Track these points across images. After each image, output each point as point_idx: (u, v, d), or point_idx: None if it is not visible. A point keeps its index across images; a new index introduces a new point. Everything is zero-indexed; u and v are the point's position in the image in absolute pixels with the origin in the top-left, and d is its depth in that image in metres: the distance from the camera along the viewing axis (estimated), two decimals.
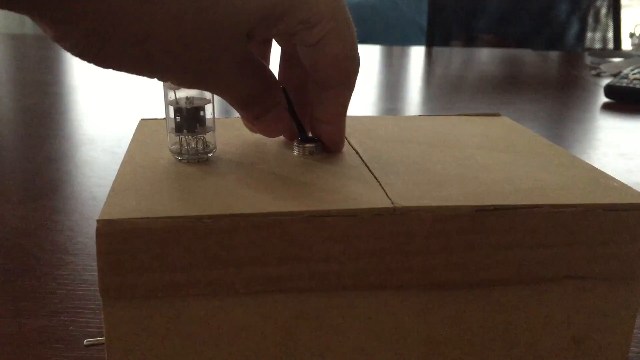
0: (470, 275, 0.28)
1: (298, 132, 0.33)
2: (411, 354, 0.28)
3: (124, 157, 0.32)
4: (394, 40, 2.01)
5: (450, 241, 0.27)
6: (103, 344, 0.27)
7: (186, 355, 0.27)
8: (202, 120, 0.31)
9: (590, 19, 1.95)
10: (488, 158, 0.33)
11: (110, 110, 0.83)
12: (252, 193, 0.27)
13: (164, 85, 0.30)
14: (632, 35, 1.26)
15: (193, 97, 0.30)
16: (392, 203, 0.27)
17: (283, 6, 0.27)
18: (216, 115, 0.32)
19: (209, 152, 0.31)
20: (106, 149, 0.67)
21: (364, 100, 0.96)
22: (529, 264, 0.28)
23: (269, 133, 0.33)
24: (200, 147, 0.31)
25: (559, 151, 0.35)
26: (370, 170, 0.31)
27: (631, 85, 0.89)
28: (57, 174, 0.60)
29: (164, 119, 0.37)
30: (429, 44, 1.75)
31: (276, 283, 0.26)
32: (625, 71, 0.96)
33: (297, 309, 0.27)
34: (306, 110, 0.33)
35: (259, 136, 0.35)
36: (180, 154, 0.31)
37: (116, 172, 0.29)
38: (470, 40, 1.90)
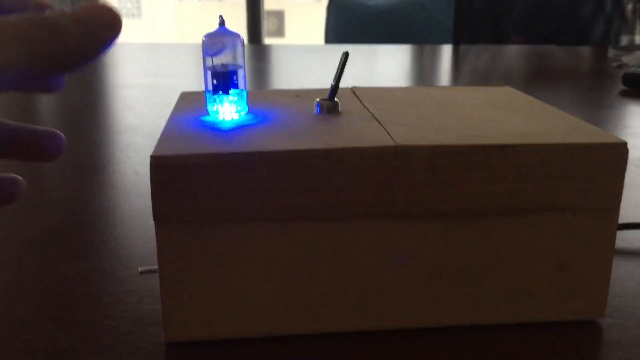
0: (464, 206, 0.32)
1: (330, 93, 0.37)
2: (415, 275, 0.33)
3: (169, 116, 0.37)
4: (423, 42, 2.04)
5: (446, 175, 0.32)
6: (156, 271, 0.32)
7: (226, 275, 0.32)
8: (235, 83, 0.36)
9: (617, 20, 1.96)
10: (484, 114, 0.38)
11: (149, 105, 0.90)
12: (278, 138, 0.33)
13: (203, 55, 0.35)
14: None
15: (227, 64, 0.36)
16: (395, 142, 0.31)
17: None
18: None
19: (242, 110, 0.37)
20: (147, 134, 0.73)
21: None
22: (516, 197, 0.32)
23: None
24: (234, 105, 0.36)
25: (552, 109, 0.39)
26: (379, 122, 0.35)
27: None
28: (103, 156, 0.66)
29: (203, 91, 0.43)
30: (457, 45, 1.79)
31: (298, 211, 0.31)
32: None
33: (317, 234, 0.32)
34: None
35: (285, 100, 0.41)
36: (217, 111, 0.36)
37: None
38: (498, 41, 1.93)
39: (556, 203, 0.33)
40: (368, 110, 0.39)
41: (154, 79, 1.10)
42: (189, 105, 0.40)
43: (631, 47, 1.40)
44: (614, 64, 1.19)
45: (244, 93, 0.36)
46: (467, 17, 1.88)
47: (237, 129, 0.35)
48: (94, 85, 1.06)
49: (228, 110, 0.36)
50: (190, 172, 0.30)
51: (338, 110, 0.38)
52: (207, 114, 0.37)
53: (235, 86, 0.36)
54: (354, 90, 0.44)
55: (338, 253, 0.32)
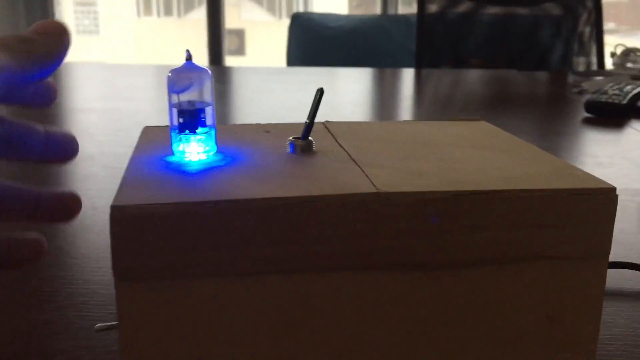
0: (450, 255, 0.30)
1: (304, 132, 0.35)
2: (398, 330, 0.31)
3: (131, 155, 0.34)
4: (385, 65, 2.05)
5: (430, 223, 0.30)
6: (113, 328, 0.30)
7: (193, 333, 0.29)
8: (203, 121, 0.34)
9: (575, 44, 2.00)
10: (465, 154, 0.36)
11: (107, 131, 0.86)
12: (251, 182, 0.30)
13: (168, 91, 0.33)
14: (613, 54, 1.31)
15: (194, 101, 0.33)
16: (377, 189, 0.29)
17: None
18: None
19: (210, 150, 0.34)
20: (106, 164, 0.69)
21: (356, 120, 0.99)
22: (502, 245, 0.31)
23: None
24: (201, 145, 0.34)
25: (533, 148, 0.38)
26: (357, 164, 0.33)
27: (610, 100, 0.93)
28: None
29: (167, 126, 0.40)
30: (419, 67, 1.80)
31: (273, 264, 0.29)
32: (605, 88, 1.00)
33: (293, 288, 0.30)
34: None
35: (255, 137, 0.38)
36: (183, 151, 0.34)
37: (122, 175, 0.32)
38: (459, 64, 1.95)
39: (545, 251, 0.31)
40: (343, 148, 0.37)
41: (113, 102, 1.06)
42: (152, 143, 0.37)
43: (589, 73, 1.42)
44: (575, 89, 1.20)
45: (213, 132, 0.34)
46: (428, 39, 1.89)
47: (205, 171, 0.32)
48: (51, 109, 1.02)
49: (195, 151, 0.34)
50: (154, 223, 0.28)
51: (312, 149, 0.36)
52: (172, 153, 0.34)
53: (203, 124, 0.34)
54: (326, 125, 0.42)
55: (316, 308, 0.30)
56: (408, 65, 1.86)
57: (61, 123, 0.96)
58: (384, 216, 0.29)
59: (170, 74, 0.33)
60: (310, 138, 0.36)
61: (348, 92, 1.30)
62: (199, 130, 0.33)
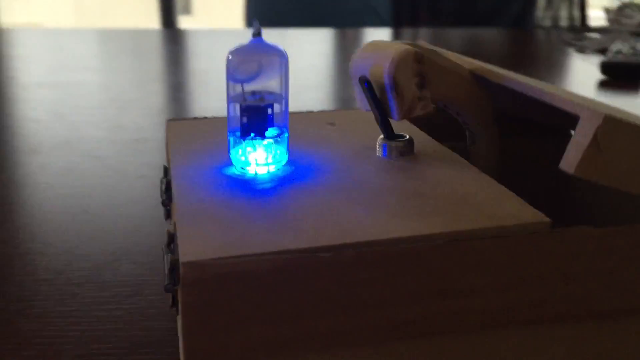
0: (625, 303, 0.22)
1: (383, 129, 0.26)
2: None
3: (172, 172, 0.25)
4: (350, 24, 1.95)
5: (623, 262, 0.21)
6: None
7: None
8: (272, 120, 0.24)
9: None
10: None
11: (79, 110, 0.75)
12: (361, 211, 0.21)
13: (227, 79, 0.24)
14: (607, 10, 1.24)
15: (262, 92, 0.24)
16: (547, 216, 0.21)
17: None
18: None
19: (282, 160, 0.25)
20: (87, 153, 0.59)
21: (321, 90, 0.89)
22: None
23: None
24: (270, 153, 0.25)
25: None
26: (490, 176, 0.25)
27: (628, 61, 0.86)
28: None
29: (193, 119, 0.31)
30: (396, 26, 1.70)
31: (408, 327, 0.20)
32: (617, 47, 0.93)
33: (434, 357, 0.21)
34: None
35: (320, 133, 0.29)
36: (246, 162, 0.24)
37: (173, 198, 0.23)
38: (433, 25, 1.85)
39: None
40: (442, 144, 0.28)
41: (65, 74, 0.94)
42: (191, 147, 0.28)
43: (582, 29, 1.36)
44: (574, 48, 1.14)
45: (286, 135, 0.25)
46: None
47: (287, 193, 0.23)
48: None
49: (263, 161, 0.24)
50: (244, 284, 0.19)
51: (413, 150, 0.27)
52: (229, 163, 0.25)
53: (274, 125, 0.24)
54: None
55: None
56: (378, 24, 1.75)
57: (19, 101, 0.83)
58: (562, 255, 0.21)
59: (230, 56, 0.23)
60: (408, 136, 0.27)
61: (314, 55, 1.20)
62: (270, 132, 0.24)
